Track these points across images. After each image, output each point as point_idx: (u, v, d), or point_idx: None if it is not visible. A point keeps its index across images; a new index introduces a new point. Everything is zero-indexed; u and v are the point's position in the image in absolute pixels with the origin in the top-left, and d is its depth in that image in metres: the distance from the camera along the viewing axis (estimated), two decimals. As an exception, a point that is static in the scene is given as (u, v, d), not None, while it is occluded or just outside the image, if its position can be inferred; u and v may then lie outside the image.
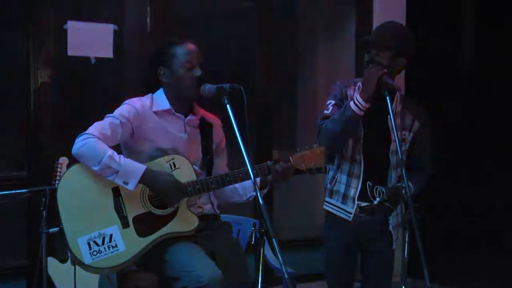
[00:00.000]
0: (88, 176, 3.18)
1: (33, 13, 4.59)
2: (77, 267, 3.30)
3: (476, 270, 6.12)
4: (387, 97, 3.30)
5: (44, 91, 4.61)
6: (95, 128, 3.20)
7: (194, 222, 3.26)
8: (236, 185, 3.39)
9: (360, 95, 3.40)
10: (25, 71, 4.61)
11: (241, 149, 2.96)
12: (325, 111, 3.55)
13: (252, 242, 3.39)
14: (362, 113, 3.40)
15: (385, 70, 3.38)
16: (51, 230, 3.74)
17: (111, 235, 3.17)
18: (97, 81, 4.95)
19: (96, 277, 4.20)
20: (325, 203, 3.67)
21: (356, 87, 3.53)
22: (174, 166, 3.27)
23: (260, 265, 3.29)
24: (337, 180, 3.60)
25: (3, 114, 4.73)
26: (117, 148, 3.27)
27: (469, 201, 7.04)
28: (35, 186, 4.00)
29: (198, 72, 3.30)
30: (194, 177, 3.27)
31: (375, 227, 3.58)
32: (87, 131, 3.19)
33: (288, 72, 6.05)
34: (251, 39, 5.44)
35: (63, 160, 4.14)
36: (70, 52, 4.68)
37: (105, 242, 3.16)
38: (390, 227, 3.59)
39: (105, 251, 3.16)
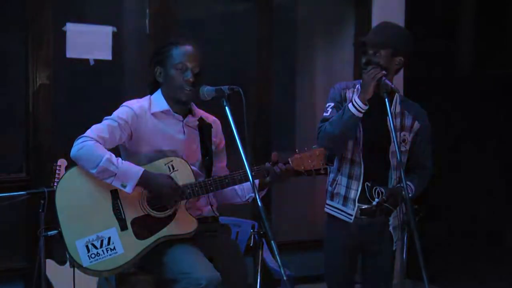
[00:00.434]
0: (87, 178, 3.18)
1: (32, 15, 4.59)
2: (75, 269, 3.29)
3: (475, 272, 6.12)
4: (386, 99, 3.30)
5: (43, 93, 4.60)
6: (93, 130, 3.20)
7: (193, 225, 3.25)
8: (235, 186, 3.38)
9: (358, 97, 3.40)
10: (24, 73, 4.61)
11: (239, 150, 2.96)
12: (324, 114, 3.56)
13: (251, 244, 3.40)
14: (360, 115, 3.41)
15: (384, 72, 3.39)
16: (49, 233, 3.73)
17: (109, 238, 3.16)
18: (96, 83, 4.95)
19: (95, 280, 4.19)
20: (326, 205, 3.66)
21: (355, 90, 3.53)
22: (173, 168, 3.26)
23: (259, 267, 3.30)
24: (338, 182, 3.60)
25: (2, 116, 4.72)
26: (116, 151, 3.27)
27: (469, 202, 7.04)
28: (34, 188, 3.99)
29: (189, 75, 3.28)
30: (192, 179, 3.26)
31: (375, 229, 3.58)
32: (85, 134, 3.18)
33: (287, 73, 6.04)
34: (251, 41, 5.44)
35: (62, 162, 4.13)
36: (69, 54, 4.68)
37: (103, 245, 3.16)
38: (390, 227, 3.59)
39: (103, 253, 3.15)
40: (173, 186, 3.19)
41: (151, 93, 3.42)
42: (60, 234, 3.18)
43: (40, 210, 3.81)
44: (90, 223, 3.17)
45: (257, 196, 2.92)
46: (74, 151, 3.16)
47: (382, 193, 3.48)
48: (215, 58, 5.09)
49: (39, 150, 4.62)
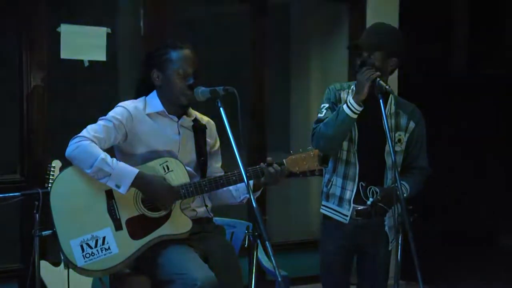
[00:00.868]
0: (81, 178, 3.18)
1: (26, 16, 4.58)
2: (70, 270, 3.29)
3: (470, 273, 6.14)
4: (381, 100, 3.31)
5: (37, 94, 4.59)
6: (89, 130, 3.20)
7: (188, 225, 3.25)
8: (230, 187, 3.38)
9: (353, 98, 3.41)
10: (18, 74, 4.60)
11: (234, 151, 2.96)
12: (319, 115, 3.56)
13: (246, 245, 3.40)
14: (355, 116, 3.41)
15: (378, 73, 3.39)
16: (44, 232, 3.72)
17: (104, 238, 3.16)
18: (90, 84, 4.94)
19: (89, 281, 4.19)
20: (322, 206, 3.66)
21: (350, 91, 3.54)
22: (168, 168, 3.26)
23: (254, 268, 3.29)
24: (333, 183, 3.60)
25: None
26: (111, 151, 3.27)
27: (464, 203, 7.06)
28: (28, 189, 3.98)
29: (191, 80, 3.29)
30: (187, 180, 3.26)
31: (371, 229, 3.58)
32: (80, 134, 3.18)
33: (281, 74, 6.05)
34: (245, 42, 5.44)
35: (56, 164, 4.13)
36: (63, 55, 4.67)
37: (98, 245, 3.15)
38: (386, 228, 3.60)
39: (98, 253, 3.15)
40: (167, 187, 3.18)
41: (141, 94, 3.41)
42: (54, 233, 3.17)
43: (35, 211, 3.80)
44: (84, 223, 3.16)
45: (251, 197, 2.92)
46: (69, 150, 3.16)
47: (376, 193, 3.48)
48: (210, 59, 5.09)
49: (34, 151, 4.61)
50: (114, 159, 3.17)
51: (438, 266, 5.91)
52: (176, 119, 3.38)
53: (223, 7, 5.76)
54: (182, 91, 3.30)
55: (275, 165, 3.26)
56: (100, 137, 3.19)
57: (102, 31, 4.79)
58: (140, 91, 3.43)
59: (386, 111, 3.42)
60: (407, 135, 3.60)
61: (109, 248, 3.16)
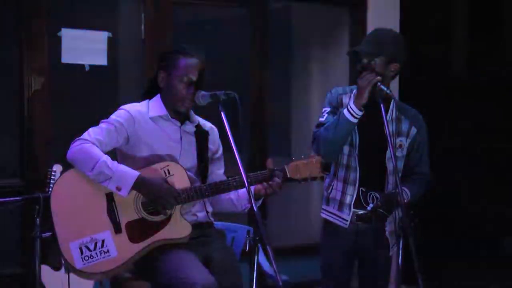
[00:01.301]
0: (82, 181, 3.17)
1: (27, 20, 4.58)
2: (70, 274, 3.28)
3: (472, 277, 6.12)
4: (381, 105, 3.30)
5: (38, 98, 4.59)
6: (90, 133, 3.21)
7: (187, 230, 3.25)
8: (231, 196, 3.39)
9: (354, 102, 3.40)
10: (18, 79, 4.60)
11: (235, 156, 2.96)
12: (320, 119, 3.56)
13: (246, 250, 3.39)
14: (355, 121, 3.41)
15: (379, 77, 3.38)
16: (44, 234, 3.72)
17: (103, 241, 3.16)
18: (91, 88, 4.94)
19: (90, 285, 4.19)
20: (322, 210, 3.66)
21: (352, 95, 3.53)
22: (169, 172, 3.26)
23: (254, 272, 3.29)
24: (333, 187, 3.60)
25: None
26: (112, 154, 3.27)
27: (466, 207, 7.05)
28: (29, 193, 3.97)
29: (192, 89, 3.29)
30: (188, 184, 3.26)
31: (372, 234, 3.58)
32: (82, 136, 3.19)
33: (282, 79, 6.05)
34: (245, 47, 5.44)
35: (57, 168, 4.12)
36: (64, 60, 4.68)
37: (97, 247, 3.15)
38: (387, 233, 3.59)
39: (97, 256, 3.15)
40: (167, 190, 3.18)
41: (146, 97, 3.42)
42: (53, 236, 3.17)
43: (35, 216, 3.80)
44: (84, 225, 3.17)
45: (252, 202, 2.92)
46: (70, 153, 3.16)
47: (377, 198, 3.47)
48: (210, 64, 5.08)
49: (34, 155, 4.61)
50: (115, 161, 3.18)
51: (440, 270, 5.90)
52: (178, 124, 3.38)
53: (224, 12, 5.76)
54: (182, 98, 3.30)
55: (276, 172, 3.25)
56: (101, 139, 3.20)
57: (103, 35, 4.80)
58: (148, 92, 3.43)
59: (388, 117, 3.42)
60: (409, 140, 3.59)
61: (108, 251, 3.16)
